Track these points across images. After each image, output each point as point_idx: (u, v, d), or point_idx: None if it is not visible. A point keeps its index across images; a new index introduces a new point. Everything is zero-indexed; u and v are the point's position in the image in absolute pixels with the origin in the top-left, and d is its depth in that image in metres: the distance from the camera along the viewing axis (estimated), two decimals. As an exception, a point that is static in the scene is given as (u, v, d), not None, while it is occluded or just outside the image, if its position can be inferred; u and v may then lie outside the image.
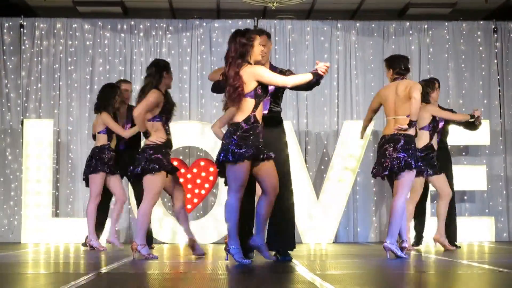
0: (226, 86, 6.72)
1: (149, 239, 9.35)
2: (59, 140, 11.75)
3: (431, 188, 9.85)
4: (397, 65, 7.76)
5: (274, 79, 6.80)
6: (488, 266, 6.62)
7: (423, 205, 9.54)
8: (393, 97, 7.66)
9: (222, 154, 6.68)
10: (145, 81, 7.75)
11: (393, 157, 7.53)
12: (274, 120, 7.30)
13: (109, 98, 9.22)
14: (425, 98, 9.01)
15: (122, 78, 10.59)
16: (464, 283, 5.34)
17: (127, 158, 9.27)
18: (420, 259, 7.53)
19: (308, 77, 6.84)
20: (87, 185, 9.34)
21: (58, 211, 11.62)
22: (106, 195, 9.47)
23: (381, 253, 8.69)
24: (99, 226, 9.51)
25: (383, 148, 7.61)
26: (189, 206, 11.35)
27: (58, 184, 11.69)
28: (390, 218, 7.53)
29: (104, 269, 6.31)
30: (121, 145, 9.51)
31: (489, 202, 11.88)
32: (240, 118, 6.69)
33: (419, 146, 8.81)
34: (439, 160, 9.18)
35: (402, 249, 7.59)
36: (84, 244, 9.53)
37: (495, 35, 12.20)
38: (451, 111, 9.62)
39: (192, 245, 7.82)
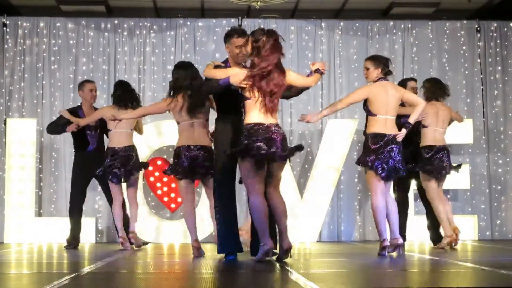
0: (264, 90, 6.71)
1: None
2: (42, 139, 11.68)
3: (413, 187, 9.89)
4: (386, 66, 7.80)
5: (304, 82, 7.03)
6: (471, 264, 6.63)
7: (406, 205, 9.54)
8: (386, 97, 7.65)
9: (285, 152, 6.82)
10: (183, 83, 7.68)
11: (397, 159, 7.66)
12: None
13: (135, 95, 9.30)
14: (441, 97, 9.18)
15: (86, 79, 10.48)
16: (447, 281, 5.33)
17: (97, 159, 9.38)
18: (403, 258, 7.50)
19: (318, 77, 7.10)
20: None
21: (41, 211, 11.55)
22: (83, 195, 9.53)
23: (365, 252, 8.79)
24: (78, 226, 9.48)
25: (389, 148, 7.59)
26: (172, 206, 11.36)
27: (41, 184, 11.62)
28: (393, 216, 7.68)
29: (87, 269, 6.28)
30: (90, 147, 9.50)
31: (472, 201, 11.91)
32: (276, 118, 6.89)
33: (425, 144, 9.03)
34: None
35: (383, 248, 7.61)
36: (69, 246, 9.45)
37: (478, 35, 12.24)
38: None
39: (198, 246, 7.81)
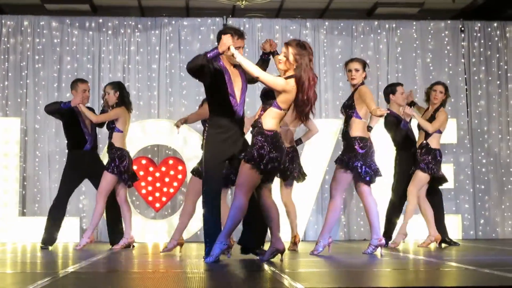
0: (302, 100, 6.71)
1: (119, 236, 9.30)
2: (26, 138, 11.61)
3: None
4: None
5: None
6: (455, 263, 6.65)
7: (401, 206, 9.58)
8: None
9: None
10: None
11: (375, 162, 7.84)
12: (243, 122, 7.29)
13: None
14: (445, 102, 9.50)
15: (78, 78, 10.23)
16: (431, 280, 5.34)
17: (92, 159, 9.41)
18: (388, 257, 7.50)
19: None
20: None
21: (25, 210, 11.47)
22: (67, 194, 9.43)
23: (350, 251, 8.80)
24: (58, 225, 9.40)
25: (371, 151, 7.75)
26: (157, 205, 11.31)
27: (25, 183, 11.55)
28: (376, 217, 7.75)
29: (71, 268, 6.23)
30: (87, 146, 9.39)
31: (456, 200, 11.92)
32: None
33: (437, 147, 9.24)
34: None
35: (379, 246, 7.76)
36: (45, 246, 9.32)
37: (462, 35, 12.27)
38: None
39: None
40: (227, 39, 6.72)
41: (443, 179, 9.50)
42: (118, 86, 9.25)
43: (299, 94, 6.68)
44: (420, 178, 9.19)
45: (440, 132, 9.34)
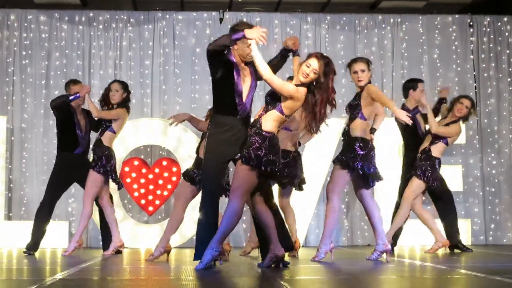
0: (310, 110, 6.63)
1: (108, 242, 9.10)
2: (12, 138, 11.44)
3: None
4: None
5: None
6: (464, 270, 6.59)
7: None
8: None
9: None
10: None
11: (375, 165, 7.72)
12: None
13: None
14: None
15: (71, 79, 9.93)
16: (439, 288, 5.29)
17: (82, 163, 9.15)
18: (392, 264, 7.39)
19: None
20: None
21: (11, 214, 11.28)
22: (54, 198, 9.16)
23: (353, 257, 8.84)
24: (42, 230, 9.11)
25: (372, 153, 7.62)
26: (150, 208, 11.20)
27: (11, 185, 11.38)
28: (379, 222, 7.66)
29: (59, 275, 6.12)
30: (79, 149, 9.13)
31: (465, 204, 11.76)
32: None
33: (438, 156, 9.07)
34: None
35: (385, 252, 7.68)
36: (29, 252, 9.02)
37: (471, 30, 12.16)
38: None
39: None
40: (262, 29, 6.56)
41: (445, 192, 9.43)
42: (126, 88, 9.11)
43: (310, 114, 6.64)
44: (416, 186, 9.07)
45: (446, 143, 9.15)
